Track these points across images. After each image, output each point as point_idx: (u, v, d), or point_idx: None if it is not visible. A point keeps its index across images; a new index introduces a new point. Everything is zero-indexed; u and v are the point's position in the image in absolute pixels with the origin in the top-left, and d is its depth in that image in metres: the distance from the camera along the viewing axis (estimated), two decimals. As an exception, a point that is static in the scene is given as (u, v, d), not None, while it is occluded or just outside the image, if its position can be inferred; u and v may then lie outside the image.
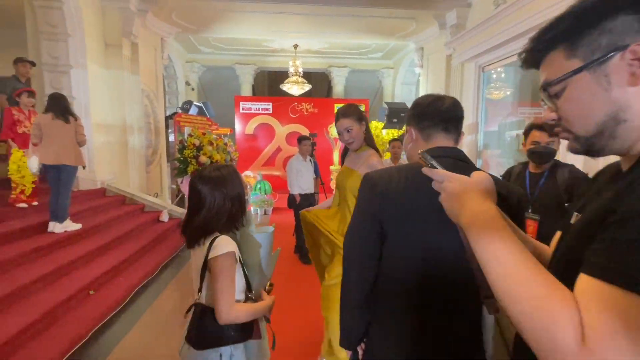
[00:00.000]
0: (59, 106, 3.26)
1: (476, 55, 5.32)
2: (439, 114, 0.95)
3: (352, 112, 1.76)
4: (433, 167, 0.67)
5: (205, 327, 1.10)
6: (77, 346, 2.29)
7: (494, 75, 5.74)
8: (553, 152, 1.80)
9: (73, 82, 4.74)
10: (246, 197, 1.26)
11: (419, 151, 0.71)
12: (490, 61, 5.26)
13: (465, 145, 5.88)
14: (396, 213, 0.86)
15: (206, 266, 1.10)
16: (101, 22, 5.27)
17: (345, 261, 0.97)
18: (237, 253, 1.14)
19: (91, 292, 2.84)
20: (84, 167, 3.51)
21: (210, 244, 1.09)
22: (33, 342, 2.19)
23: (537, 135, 1.81)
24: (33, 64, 4.25)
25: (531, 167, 1.92)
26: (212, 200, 1.12)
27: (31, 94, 3.83)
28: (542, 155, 1.80)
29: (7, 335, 2.07)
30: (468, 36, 5.38)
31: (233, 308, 1.08)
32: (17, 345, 2.10)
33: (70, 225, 3.43)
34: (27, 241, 3.05)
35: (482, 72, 5.54)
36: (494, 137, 5.77)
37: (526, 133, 1.88)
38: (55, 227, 3.31)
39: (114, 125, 5.46)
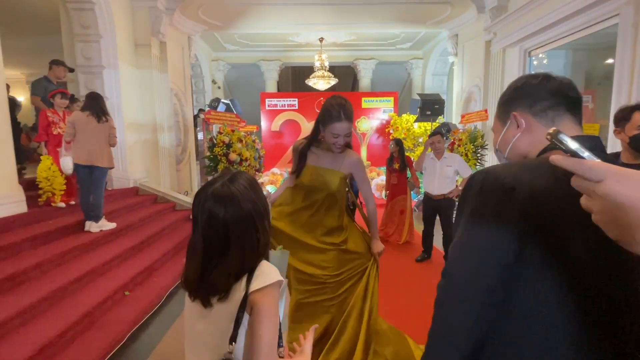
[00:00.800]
0: (96, 105, 3.25)
1: (521, 38, 4.87)
2: (562, 90, 0.72)
3: (351, 112, 1.60)
4: (576, 155, 0.42)
5: None
6: (115, 349, 2.23)
7: (535, 62, 5.25)
8: None
9: (106, 83, 4.80)
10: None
11: (550, 130, 0.44)
12: (538, 44, 4.79)
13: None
14: (548, 227, 0.57)
15: (245, 305, 0.77)
16: (131, 22, 5.31)
17: (449, 292, 0.65)
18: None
19: (127, 293, 2.81)
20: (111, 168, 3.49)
21: (251, 272, 0.80)
22: (72, 345, 2.15)
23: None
24: (71, 70, 4.25)
25: (624, 157, 1.62)
26: (241, 230, 0.79)
27: (64, 95, 3.85)
28: None
29: (48, 337, 2.03)
30: (512, 18, 4.93)
31: None
32: (58, 349, 2.07)
33: (105, 225, 3.44)
34: (64, 241, 3.07)
35: (529, 57, 5.07)
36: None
37: (624, 117, 1.58)
38: (91, 226, 3.32)
39: (145, 125, 5.51)
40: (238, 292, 0.79)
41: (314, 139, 1.70)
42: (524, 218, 0.57)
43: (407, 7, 6.27)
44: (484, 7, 5.67)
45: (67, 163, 3.25)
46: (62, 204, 3.57)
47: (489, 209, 0.61)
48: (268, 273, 0.79)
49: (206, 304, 0.79)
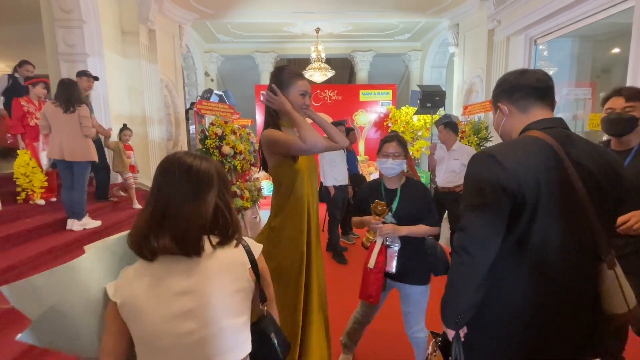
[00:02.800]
0: (62, 94, 2.95)
1: (527, 26, 4.68)
2: (530, 83, 0.95)
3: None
4: None
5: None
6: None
7: (545, 53, 5.07)
8: (631, 120, 1.42)
9: (91, 72, 4.51)
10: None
11: None
12: (545, 32, 4.60)
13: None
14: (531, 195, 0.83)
15: (258, 272, 0.89)
16: (117, 8, 5.01)
17: (468, 234, 0.89)
18: None
19: (111, 297, 2.59)
20: (95, 162, 3.22)
21: (246, 247, 0.89)
22: None
23: (612, 102, 1.48)
24: (96, 78, 3.97)
25: (614, 144, 1.53)
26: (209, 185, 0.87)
27: (47, 85, 3.65)
28: (615, 123, 1.44)
29: (18, 352, 1.81)
30: (517, 5, 4.74)
31: None
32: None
33: (89, 223, 3.20)
34: (41, 240, 2.83)
35: (535, 45, 4.88)
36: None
37: (603, 105, 1.53)
38: (73, 224, 3.09)
39: (133, 117, 5.24)
40: (238, 261, 0.85)
41: (276, 119, 1.47)
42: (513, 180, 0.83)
43: (407, -6, 6.05)
44: (487, -6, 5.46)
45: (43, 158, 3.01)
46: (42, 202, 3.32)
47: (485, 175, 0.89)
48: (256, 245, 0.91)
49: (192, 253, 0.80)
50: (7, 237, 2.65)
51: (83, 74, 3.86)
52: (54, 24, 4.39)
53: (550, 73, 5.20)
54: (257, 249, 0.90)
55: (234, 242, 0.86)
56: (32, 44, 7.28)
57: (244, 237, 0.91)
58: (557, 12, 4.17)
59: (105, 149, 4.10)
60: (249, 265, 0.86)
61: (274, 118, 1.47)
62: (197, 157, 0.84)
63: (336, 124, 3.73)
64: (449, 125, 3.38)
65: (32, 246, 2.69)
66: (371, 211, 1.66)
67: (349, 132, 4.40)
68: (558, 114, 4.04)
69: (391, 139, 1.66)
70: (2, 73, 10.48)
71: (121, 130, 4.26)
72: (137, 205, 4.27)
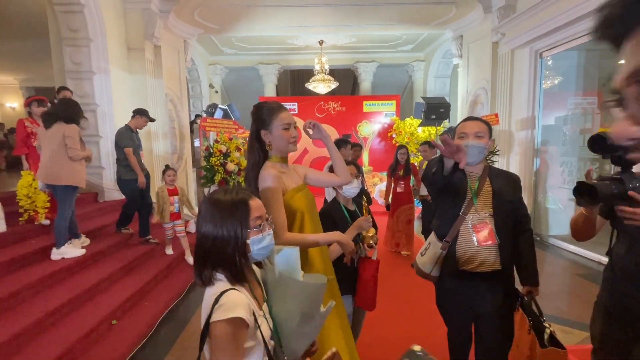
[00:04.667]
0: (49, 112, 2.83)
1: (532, 39, 4.66)
2: None
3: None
4: None
5: None
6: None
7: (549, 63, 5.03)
8: None
9: (96, 89, 4.55)
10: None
11: None
12: (550, 45, 4.57)
13: (519, 142, 5.22)
14: None
15: (207, 330, 0.83)
16: (123, 25, 5.07)
17: None
18: (250, 316, 0.85)
19: (114, 322, 2.55)
20: (80, 187, 2.99)
21: (217, 300, 0.82)
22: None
23: None
24: (151, 119, 3.88)
25: None
26: (207, 229, 0.89)
27: (42, 102, 3.58)
28: None
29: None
30: (522, 18, 4.72)
31: None
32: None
33: (68, 252, 2.92)
34: (44, 264, 2.80)
35: (540, 58, 4.85)
36: (552, 133, 5.06)
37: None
38: (52, 253, 2.89)
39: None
40: (208, 309, 0.83)
41: (263, 159, 1.38)
42: None
43: (409, 7, 6.06)
44: (490, 7, 5.46)
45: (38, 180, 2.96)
46: (47, 221, 3.30)
47: None
48: (231, 305, 0.81)
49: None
50: (12, 261, 2.63)
51: (142, 113, 3.74)
52: (62, 43, 4.44)
53: (556, 83, 5.17)
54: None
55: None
56: (40, 59, 7.40)
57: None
58: (563, 26, 4.15)
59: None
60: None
61: (263, 152, 1.37)
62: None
63: (342, 140, 3.68)
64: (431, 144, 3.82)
65: (36, 270, 2.67)
66: (364, 242, 1.68)
67: (354, 146, 4.38)
68: (565, 126, 3.92)
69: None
70: (7, 86, 10.58)
71: (163, 172, 3.70)
72: (189, 259, 3.75)
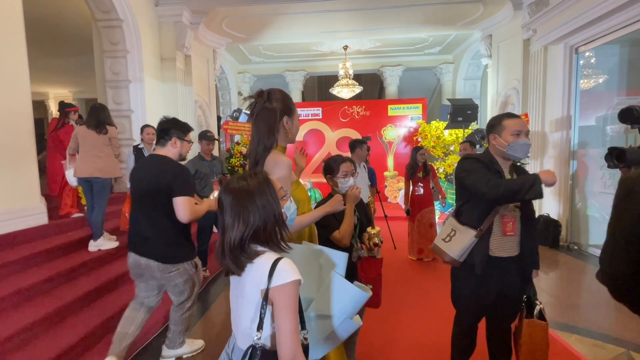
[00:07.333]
0: (94, 117, 3.19)
1: (566, 34, 4.37)
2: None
3: None
4: None
5: None
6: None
7: (581, 61, 4.67)
8: None
9: (131, 96, 4.92)
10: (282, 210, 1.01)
11: None
12: (587, 39, 4.27)
13: (553, 144, 4.88)
14: None
15: (267, 298, 0.88)
16: (157, 37, 5.45)
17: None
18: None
19: (135, 311, 2.70)
20: (116, 179, 3.40)
21: (272, 270, 0.87)
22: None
23: None
24: (217, 139, 3.88)
25: None
26: (239, 214, 0.92)
27: (76, 111, 4.06)
28: None
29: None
30: (555, 12, 4.46)
31: (300, 354, 0.87)
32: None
33: (104, 244, 3.23)
34: (78, 255, 3.05)
35: (576, 54, 4.53)
36: (592, 134, 4.66)
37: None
38: (89, 245, 3.20)
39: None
40: (262, 281, 0.88)
41: (274, 141, 1.38)
42: None
43: (435, 8, 5.94)
44: (521, 3, 5.21)
45: (70, 176, 3.26)
46: (80, 214, 3.59)
47: None
48: (290, 270, 0.88)
49: (228, 272, 0.96)
50: (50, 250, 2.90)
51: (205, 137, 3.55)
52: (103, 55, 4.87)
53: (600, 82, 4.78)
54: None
55: None
56: (88, 73, 8.13)
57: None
58: (599, 19, 3.86)
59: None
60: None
61: (272, 140, 1.37)
62: None
63: (357, 141, 3.68)
64: (477, 143, 3.25)
65: (68, 259, 2.92)
66: (370, 241, 1.73)
67: (368, 150, 4.40)
68: (607, 127, 3.59)
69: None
70: (63, 98, 11.73)
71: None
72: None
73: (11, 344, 2.00)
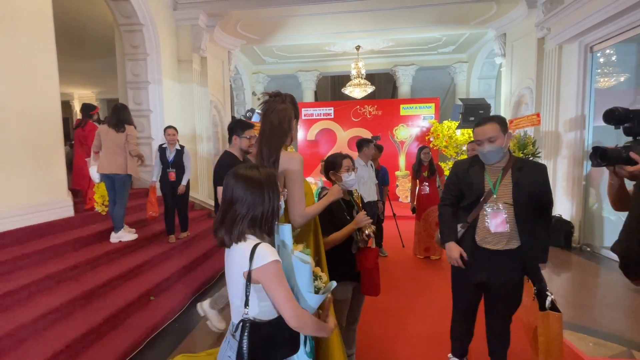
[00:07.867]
0: (115, 116, 3.38)
1: (581, 32, 4.31)
2: None
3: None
4: None
5: (257, 345, 1.01)
6: (133, 353, 2.26)
7: (601, 59, 4.57)
8: None
9: (150, 97, 5.16)
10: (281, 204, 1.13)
11: None
12: (602, 37, 4.19)
13: (567, 144, 4.81)
14: None
15: (250, 279, 0.99)
16: (175, 40, 5.68)
17: None
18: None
19: (152, 298, 2.88)
20: (135, 176, 3.53)
21: (252, 254, 0.98)
22: (94, 346, 2.22)
23: None
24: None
25: None
26: (243, 198, 1.03)
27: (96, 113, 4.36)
28: None
29: (71, 338, 2.12)
30: (569, 10, 4.40)
31: (303, 313, 1.01)
32: (79, 349, 2.14)
33: (125, 236, 3.44)
34: (100, 245, 3.27)
35: (590, 53, 4.46)
36: (607, 134, 4.56)
37: None
38: (111, 236, 3.41)
39: (185, 135, 5.81)
40: (244, 264, 0.98)
41: (285, 140, 1.50)
42: None
43: (447, 7, 5.93)
44: (535, 1, 5.15)
45: (93, 172, 3.48)
46: (101, 208, 3.82)
47: None
48: (268, 253, 0.98)
49: (221, 244, 1.05)
50: (76, 240, 3.12)
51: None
52: (125, 58, 5.13)
53: (621, 80, 4.66)
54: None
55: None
56: (108, 75, 8.51)
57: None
58: (615, 16, 3.79)
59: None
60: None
61: (285, 135, 1.48)
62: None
63: (364, 140, 3.77)
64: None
65: (92, 249, 3.13)
66: (362, 233, 1.79)
67: (380, 149, 4.48)
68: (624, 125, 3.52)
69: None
70: (87, 99, 12.18)
71: None
72: None
73: (45, 321, 2.20)
